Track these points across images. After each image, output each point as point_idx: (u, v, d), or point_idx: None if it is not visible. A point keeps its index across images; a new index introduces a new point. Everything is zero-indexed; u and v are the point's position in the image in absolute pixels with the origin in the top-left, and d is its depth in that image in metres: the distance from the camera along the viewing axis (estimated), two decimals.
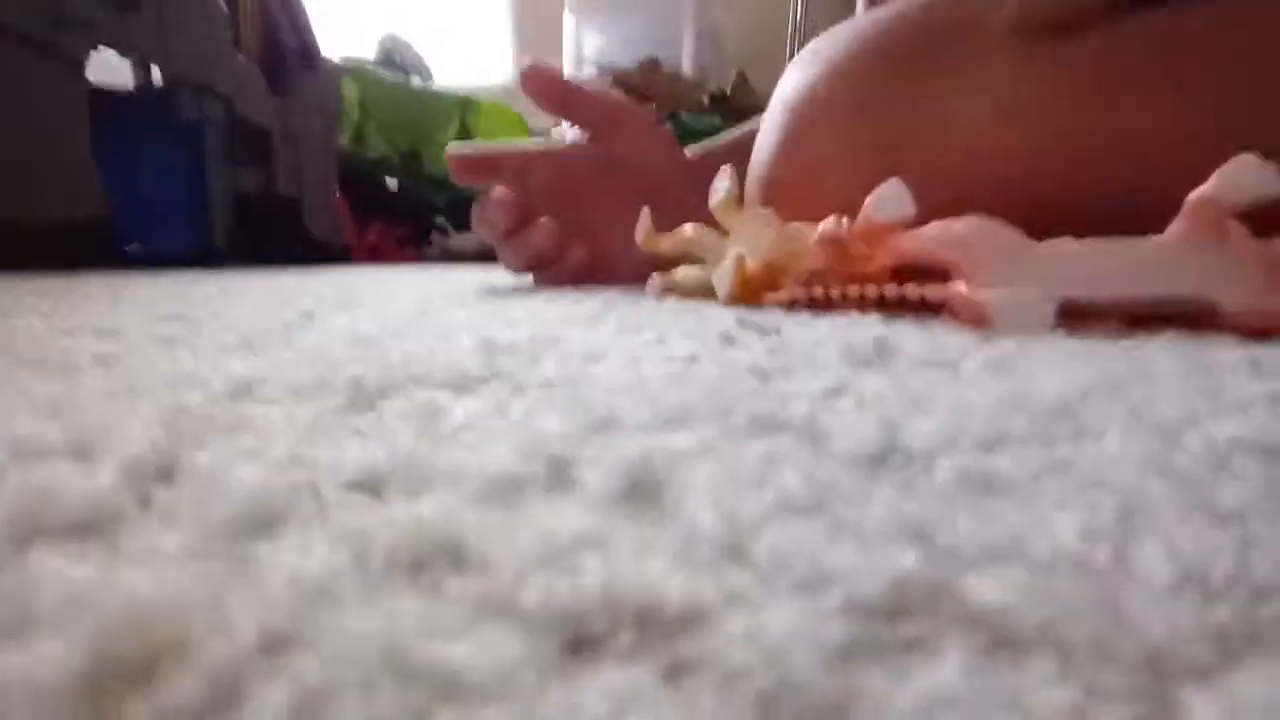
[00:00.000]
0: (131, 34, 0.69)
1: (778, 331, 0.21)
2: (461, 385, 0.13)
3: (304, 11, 0.90)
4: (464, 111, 1.19)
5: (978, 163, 0.29)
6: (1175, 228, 0.23)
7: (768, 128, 0.34)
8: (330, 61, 0.97)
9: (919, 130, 0.30)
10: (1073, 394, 0.12)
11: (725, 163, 0.37)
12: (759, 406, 0.11)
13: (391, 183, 1.22)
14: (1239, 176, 0.22)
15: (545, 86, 0.43)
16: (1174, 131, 0.26)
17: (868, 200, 0.26)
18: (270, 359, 0.15)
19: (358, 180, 1.14)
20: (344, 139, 1.17)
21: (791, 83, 0.34)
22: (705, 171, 0.39)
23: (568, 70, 1.97)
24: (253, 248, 0.82)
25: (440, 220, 1.19)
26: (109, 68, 0.74)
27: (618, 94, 0.51)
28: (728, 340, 0.19)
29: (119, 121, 0.75)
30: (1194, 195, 0.22)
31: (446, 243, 1.18)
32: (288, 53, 0.90)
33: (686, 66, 1.72)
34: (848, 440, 0.09)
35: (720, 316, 0.25)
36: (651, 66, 1.28)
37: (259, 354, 0.16)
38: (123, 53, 0.72)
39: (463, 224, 1.18)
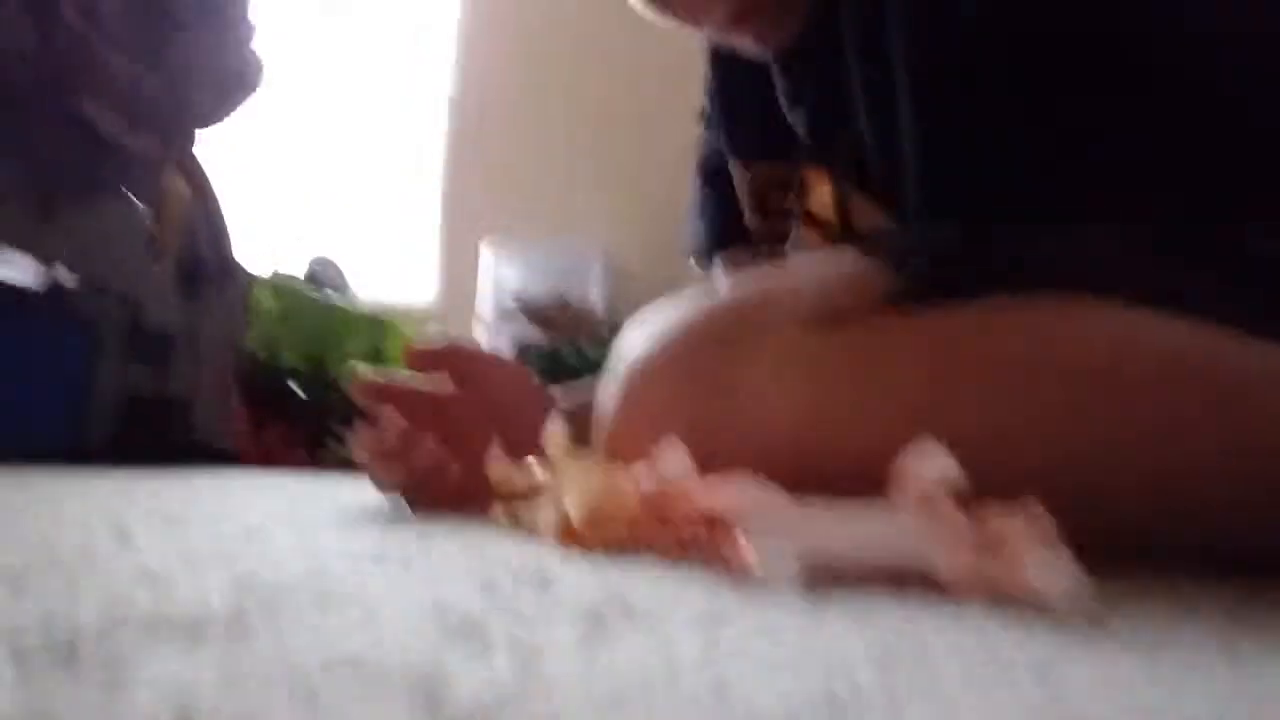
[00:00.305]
0: (45, 241, 0.73)
1: (544, 584, 0.24)
2: (191, 631, 0.15)
3: (225, 226, 0.98)
4: (377, 329, 1.26)
5: (769, 423, 0.34)
6: (897, 501, 0.27)
7: (611, 384, 0.39)
8: (247, 273, 1.02)
9: (727, 397, 0.35)
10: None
11: (587, 408, 0.43)
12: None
13: (297, 390, 1.24)
14: (922, 462, 0.27)
15: (425, 358, 0.50)
16: (920, 409, 0.32)
17: (658, 463, 0.30)
18: (18, 591, 0.17)
19: (263, 386, 1.16)
20: (256, 346, 1.21)
21: (630, 346, 0.39)
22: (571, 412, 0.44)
23: (486, 297, 2.12)
24: (133, 448, 0.81)
25: (338, 428, 1.21)
26: (17, 267, 0.77)
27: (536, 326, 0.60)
28: (486, 588, 0.22)
29: (16, 317, 0.76)
30: (901, 474, 0.27)
31: (342, 450, 1.18)
32: (204, 263, 0.96)
33: (595, 299, 1.88)
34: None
35: (510, 561, 0.27)
36: (560, 302, 1.41)
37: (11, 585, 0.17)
38: (34, 258, 0.75)
39: None
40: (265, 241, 1.86)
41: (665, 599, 0.22)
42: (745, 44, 0.51)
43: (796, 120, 0.53)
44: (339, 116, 2.68)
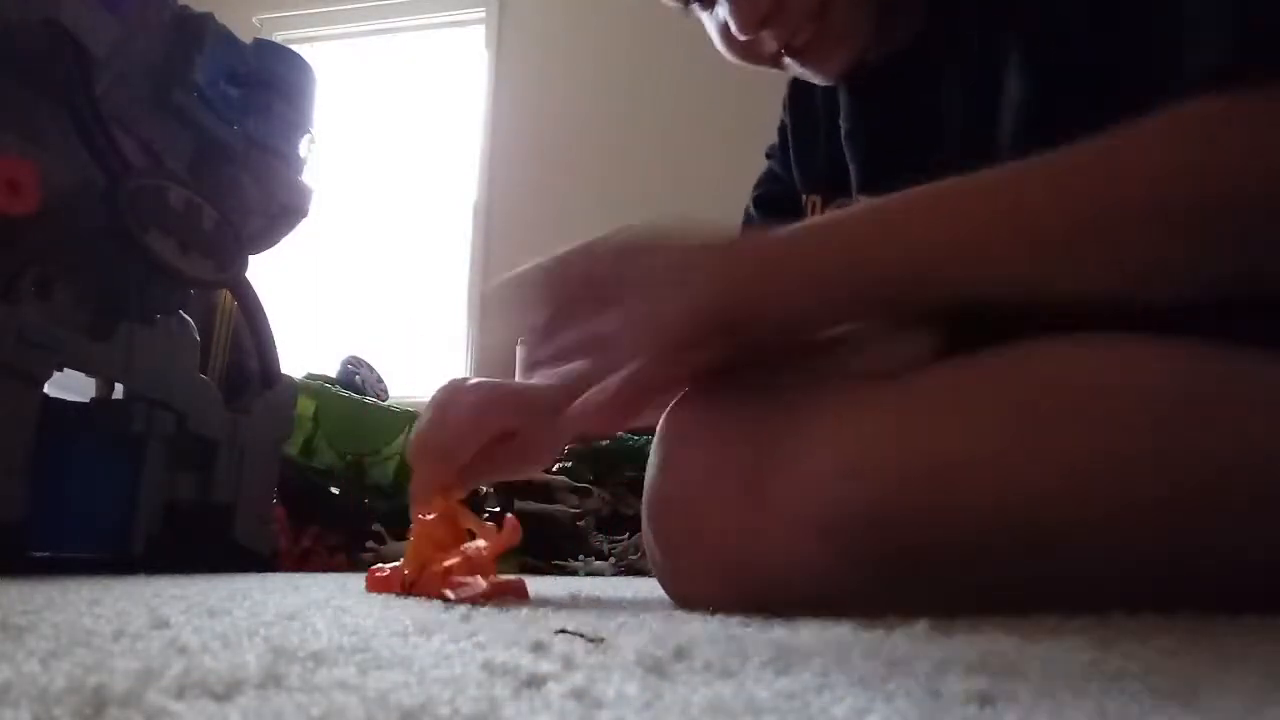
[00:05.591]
0: (99, 358, 0.75)
1: (601, 639, 0.22)
2: (223, 691, 0.14)
3: (272, 339, 1.00)
4: (412, 426, 1.26)
5: (819, 482, 0.33)
6: None
7: (652, 455, 0.39)
8: (289, 379, 1.04)
9: (772, 459, 0.34)
10: None
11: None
12: None
13: (335, 491, 1.24)
14: None
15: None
16: (960, 451, 0.32)
17: None
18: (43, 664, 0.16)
19: (302, 488, 1.16)
20: (294, 449, 1.22)
21: (672, 418, 0.39)
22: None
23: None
24: (175, 555, 0.81)
25: (377, 528, 1.19)
26: (71, 384, 0.79)
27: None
28: (538, 649, 0.20)
29: (66, 428, 0.78)
30: None
31: (380, 550, 1.16)
32: (250, 374, 0.98)
33: None
34: None
35: (560, 625, 0.26)
36: None
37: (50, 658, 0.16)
38: (88, 374, 0.78)
39: (398, 533, 1.18)
40: (301, 343, 1.92)
41: (727, 651, 0.20)
42: (806, 74, 0.51)
43: (853, 149, 0.53)
44: (372, 223, 2.80)
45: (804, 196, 0.59)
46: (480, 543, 0.40)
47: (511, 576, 0.40)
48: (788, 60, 0.49)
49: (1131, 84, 0.35)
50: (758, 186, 0.66)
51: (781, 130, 0.64)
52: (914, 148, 0.46)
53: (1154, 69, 0.35)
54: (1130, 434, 0.31)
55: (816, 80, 0.52)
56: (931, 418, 0.33)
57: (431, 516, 0.43)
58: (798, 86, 0.61)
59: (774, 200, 0.63)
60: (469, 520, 0.43)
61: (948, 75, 0.46)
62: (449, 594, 0.36)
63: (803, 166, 0.60)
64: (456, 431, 0.47)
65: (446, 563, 0.39)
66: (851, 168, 0.53)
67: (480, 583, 0.36)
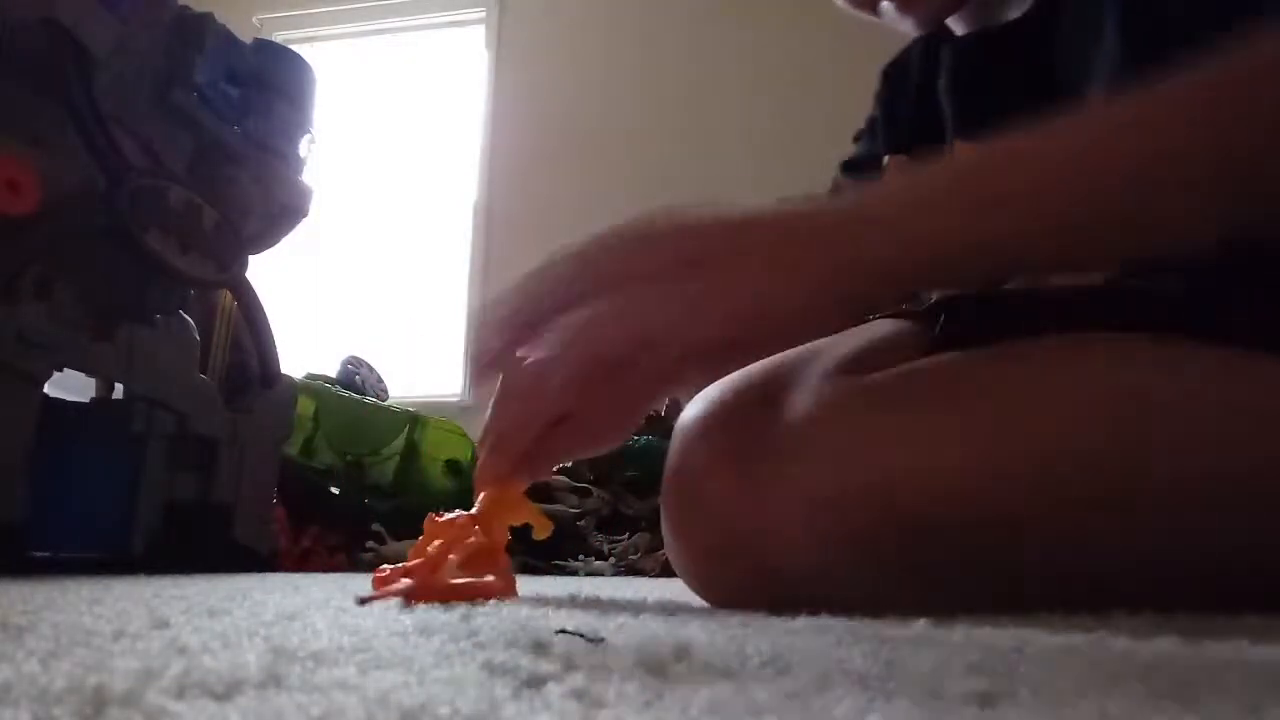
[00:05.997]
0: (99, 358, 0.75)
1: (601, 639, 0.22)
2: (224, 691, 0.14)
3: (272, 340, 1.00)
4: (412, 426, 1.27)
5: (806, 461, 0.35)
6: None
7: (671, 446, 0.41)
8: (289, 379, 1.05)
9: (768, 444, 0.36)
10: None
11: None
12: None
13: (335, 491, 1.24)
14: None
15: None
16: (955, 448, 0.33)
17: None
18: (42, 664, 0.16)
19: (302, 488, 1.16)
20: (294, 449, 1.22)
21: (688, 413, 0.42)
22: None
23: None
24: (175, 555, 0.81)
25: (377, 528, 1.20)
26: (71, 384, 0.79)
27: None
28: (538, 649, 0.20)
29: (66, 428, 0.78)
30: None
31: (380, 550, 1.16)
32: (250, 375, 0.98)
33: None
34: None
35: (561, 625, 0.26)
36: None
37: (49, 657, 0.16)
38: (88, 374, 0.78)
39: (398, 532, 1.18)
40: (301, 343, 1.92)
41: (727, 651, 0.20)
42: (897, 20, 0.52)
43: (952, 99, 0.53)
44: (372, 223, 2.80)
45: (886, 158, 0.61)
46: (437, 541, 0.40)
47: (471, 579, 0.37)
48: (884, 5, 0.51)
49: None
50: (847, 158, 0.68)
51: (871, 120, 0.66)
52: (1017, 99, 0.47)
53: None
54: (1122, 433, 0.31)
55: (907, 28, 0.53)
56: (926, 415, 0.34)
57: (448, 517, 0.43)
58: (891, 71, 0.63)
59: (861, 168, 0.64)
60: (527, 512, 0.43)
61: (1060, 33, 0.46)
62: (359, 594, 0.35)
63: (889, 136, 0.62)
64: (509, 421, 0.46)
65: (407, 564, 0.40)
66: (948, 115, 0.53)
67: (401, 584, 0.35)
